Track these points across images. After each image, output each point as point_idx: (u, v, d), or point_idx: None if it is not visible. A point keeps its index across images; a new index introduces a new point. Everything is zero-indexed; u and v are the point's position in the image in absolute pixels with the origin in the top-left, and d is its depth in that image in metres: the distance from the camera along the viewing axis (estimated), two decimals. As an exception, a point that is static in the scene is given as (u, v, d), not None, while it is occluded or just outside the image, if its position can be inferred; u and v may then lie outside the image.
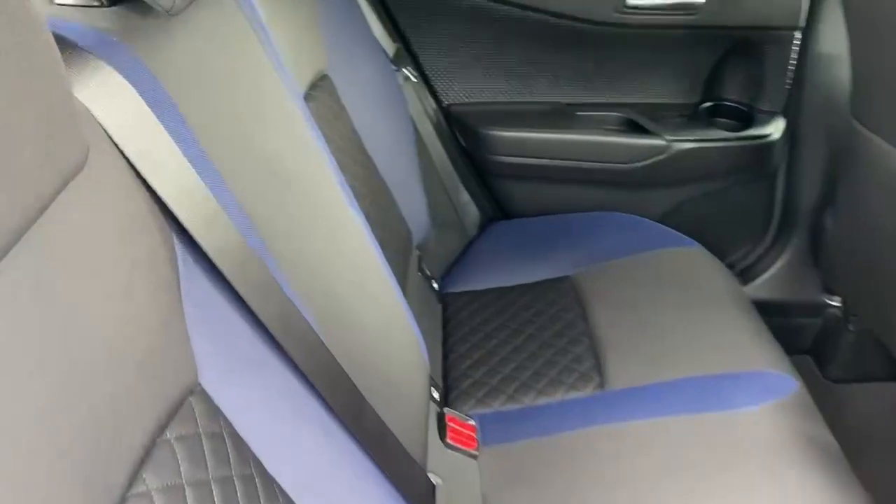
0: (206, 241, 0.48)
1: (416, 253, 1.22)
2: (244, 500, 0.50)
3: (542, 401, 1.00)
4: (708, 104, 1.37)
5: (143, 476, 0.43)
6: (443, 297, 1.25)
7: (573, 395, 1.00)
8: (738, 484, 0.81)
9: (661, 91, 1.37)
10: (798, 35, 1.26)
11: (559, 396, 1.00)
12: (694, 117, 1.36)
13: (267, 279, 0.53)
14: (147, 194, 0.46)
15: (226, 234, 0.50)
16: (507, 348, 1.11)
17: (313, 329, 0.58)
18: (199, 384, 0.49)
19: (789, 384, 0.95)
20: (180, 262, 0.48)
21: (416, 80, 1.33)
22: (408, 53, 1.34)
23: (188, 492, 0.45)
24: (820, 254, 1.34)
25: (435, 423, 0.93)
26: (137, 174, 0.45)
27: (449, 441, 0.91)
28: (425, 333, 0.94)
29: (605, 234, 1.31)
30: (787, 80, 1.29)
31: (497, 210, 1.45)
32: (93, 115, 0.42)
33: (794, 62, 1.28)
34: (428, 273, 1.24)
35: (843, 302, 1.40)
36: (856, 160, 1.12)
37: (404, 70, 1.30)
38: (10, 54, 0.30)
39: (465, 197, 1.41)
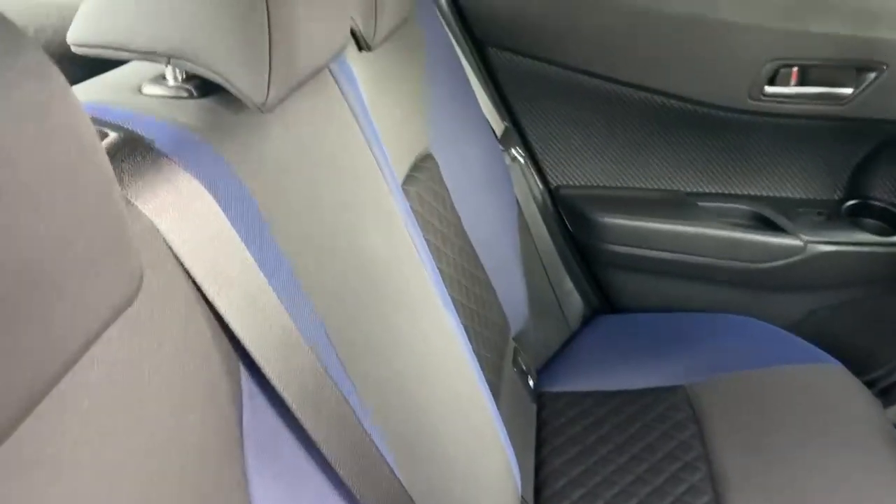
0: (274, 368, 0.41)
1: (512, 345, 1.13)
2: None
3: (649, 539, 0.87)
4: (852, 202, 1.21)
5: None
6: (539, 396, 1.14)
7: (686, 535, 0.86)
8: None
9: (797, 185, 1.23)
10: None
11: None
12: (835, 216, 1.21)
13: (343, 411, 0.45)
14: (212, 318, 0.39)
15: (298, 359, 0.42)
16: (609, 467, 0.98)
17: (393, 471, 0.49)
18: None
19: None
20: (245, 396, 0.41)
21: (523, 161, 1.26)
22: (517, 133, 1.27)
23: None
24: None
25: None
26: (202, 295, 0.38)
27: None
28: (517, 439, 0.84)
29: (726, 340, 1.17)
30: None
31: (603, 302, 1.34)
32: (157, 231, 0.36)
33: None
34: (524, 367, 1.14)
35: None
36: None
37: (512, 150, 1.23)
38: (57, 177, 0.24)
39: (569, 286, 1.30)
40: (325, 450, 0.43)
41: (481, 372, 0.76)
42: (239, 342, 0.39)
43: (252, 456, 0.41)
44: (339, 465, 0.44)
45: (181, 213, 0.37)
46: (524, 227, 1.23)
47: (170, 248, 0.36)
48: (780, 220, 1.19)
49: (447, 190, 0.99)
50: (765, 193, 1.24)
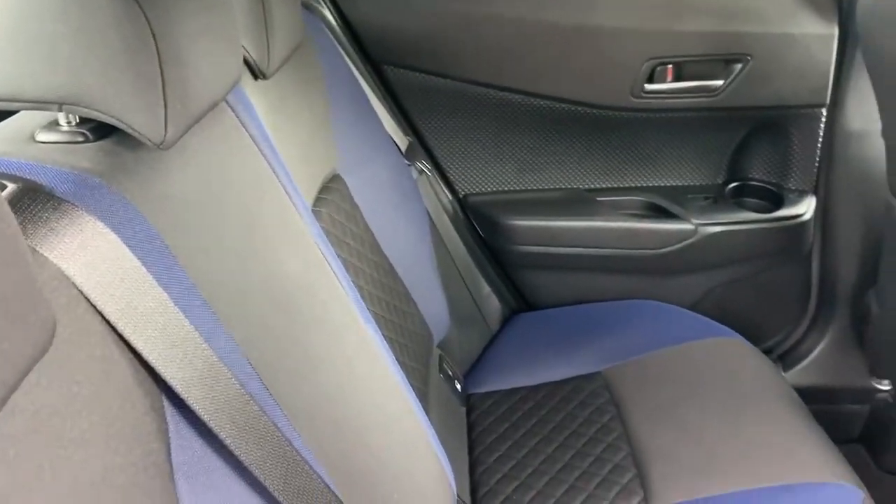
0: (199, 400, 0.42)
1: (437, 353, 1.16)
2: None
3: (581, 522, 0.92)
4: (734, 184, 1.32)
5: None
6: (467, 399, 1.18)
7: (616, 513, 0.91)
8: None
9: (684, 173, 1.33)
10: (825, 112, 1.22)
11: (599, 513, 0.92)
12: (720, 199, 1.30)
13: (272, 436, 0.47)
14: (131, 356, 0.40)
15: (222, 390, 0.44)
16: (538, 458, 1.02)
17: (329, 487, 0.51)
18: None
19: (854, 496, 0.86)
20: (171, 430, 0.42)
21: (430, 173, 1.29)
22: (421, 146, 1.31)
23: None
24: (864, 336, 1.26)
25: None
26: (119, 335, 0.39)
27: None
28: (449, 443, 0.86)
29: (635, 325, 1.24)
30: (817, 158, 1.24)
31: (520, 302, 1.39)
32: (66, 276, 0.37)
33: (822, 139, 1.23)
34: (450, 373, 1.17)
35: (894, 386, 1.31)
36: (900, 241, 1.06)
37: (418, 163, 1.27)
38: None
39: (486, 289, 1.35)
40: (258, 473, 0.44)
41: (408, 382, 0.78)
42: (161, 378, 0.40)
43: (185, 489, 0.42)
44: (275, 488, 0.46)
45: (88, 256, 0.38)
46: (437, 238, 1.26)
47: (80, 291, 0.37)
48: (672, 208, 1.27)
49: (358, 209, 1.01)
50: (656, 184, 1.33)
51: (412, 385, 0.80)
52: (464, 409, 1.16)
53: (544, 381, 1.17)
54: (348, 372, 0.64)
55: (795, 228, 1.27)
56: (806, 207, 1.26)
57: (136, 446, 0.39)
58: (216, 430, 0.42)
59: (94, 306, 0.38)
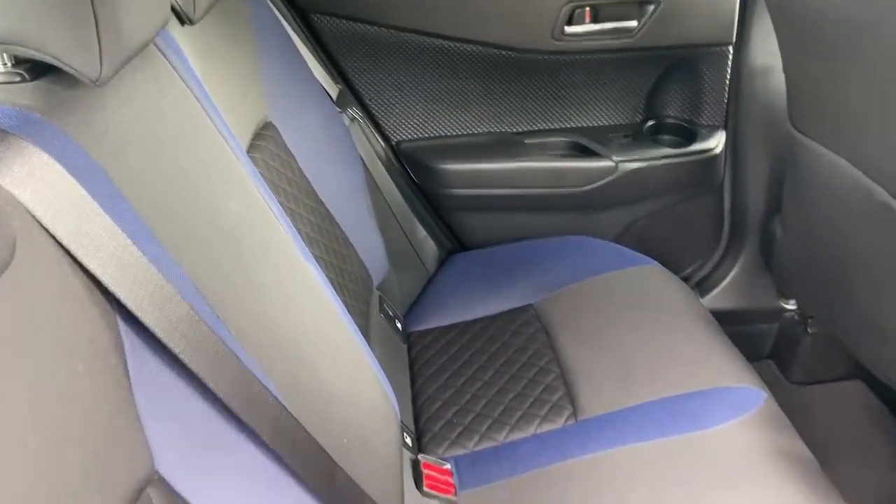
0: (151, 318, 0.46)
1: (377, 294, 1.20)
2: None
3: (517, 436, 0.99)
4: (651, 123, 1.39)
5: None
6: (407, 337, 1.23)
7: (547, 427, 0.99)
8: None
9: (604, 113, 1.39)
10: (731, 50, 1.30)
11: (532, 431, 0.99)
12: (639, 137, 1.38)
13: (221, 352, 0.51)
14: (85, 278, 0.43)
15: (173, 309, 0.47)
16: (476, 385, 1.09)
17: (276, 398, 0.56)
18: (157, 472, 0.47)
19: (757, 397, 0.96)
20: (126, 347, 0.45)
21: (362, 121, 1.32)
22: (351, 94, 1.33)
23: None
24: (772, 260, 1.37)
25: (410, 472, 0.91)
26: (73, 258, 0.42)
27: (426, 489, 0.89)
28: (392, 377, 0.92)
29: (563, 259, 1.32)
30: (725, 95, 1.32)
31: (455, 243, 1.44)
32: (19, 202, 0.39)
33: (730, 76, 1.31)
34: (391, 313, 1.22)
35: (799, 305, 1.43)
36: (797, 167, 1.15)
37: (349, 111, 1.29)
38: None
39: (422, 232, 1.40)
40: (211, 385, 0.48)
41: (350, 317, 0.83)
42: (114, 298, 0.43)
43: (143, 402, 0.46)
44: (228, 399, 0.50)
45: (37, 185, 0.40)
46: (372, 183, 1.30)
47: (32, 216, 0.40)
48: (594, 146, 1.34)
49: (292, 156, 1.03)
50: (579, 125, 1.39)
51: (355, 321, 0.84)
52: (405, 347, 1.22)
53: (480, 315, 1.23)
54: (291, 302, 0.68)
55: (708, 162, 1.35)
56: (717, 142, 1.35)
57: (96, 359, 0.42)
58: (169, 345, 0.45)
59: (46, 230, 0.40)
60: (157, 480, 0.46)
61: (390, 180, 1.34)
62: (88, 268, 0.42)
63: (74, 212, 0.43)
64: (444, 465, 0.94)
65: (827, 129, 1.04)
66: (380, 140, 1.36)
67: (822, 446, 1.02)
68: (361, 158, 1.27)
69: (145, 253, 0.46)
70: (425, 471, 0.91)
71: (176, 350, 0.46)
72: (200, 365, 0.48)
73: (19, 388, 0.38)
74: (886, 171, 0.93)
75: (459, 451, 0.99)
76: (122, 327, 0.45)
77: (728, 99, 1.33)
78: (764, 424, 0.91)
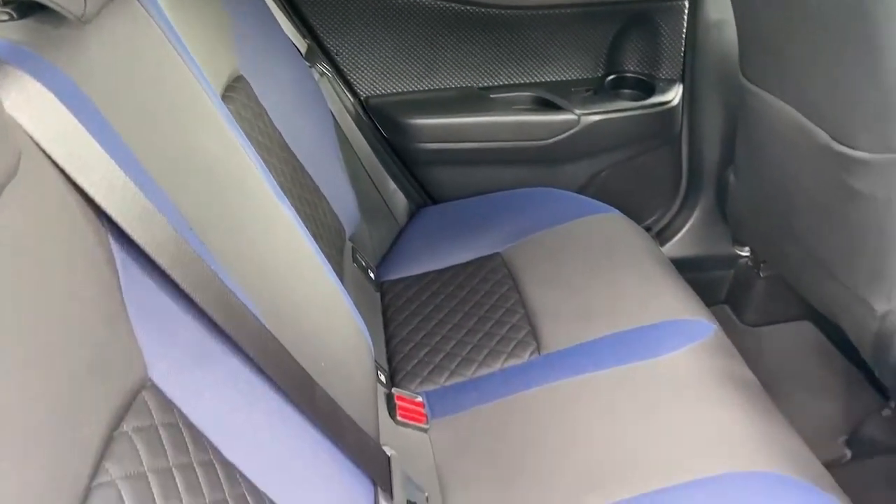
0: (140, 236, 0.50)
1: (349, 245, 1.25)
2: (206, 486, 0.52)
3: (484, 371, 1.05)
4: (611, 77, 1.44)
5: (106, 466, 0.45)
6: (380, 286, 1.28)
7: (512, 362, 1.05)
8: (670, 424, 0.88)
9: (567, 68, 1.44)
10: (687, 4, 1.35)
11: (499, 366, 1.05)
12: (600, 91, 1.43)
13: (205, 270, 0.55)
14: (79, 197, 0.47)
15: (160, 230, 0.51)
16: (446, 327, 1.15)
17: (257, 318, 0.60)
18: (150, 379, 0.51)
19: (706, 328, 1.03)
20: (118, 262, 0.50)
21: (331, 76, 1.35)
22: (320, 50, 1.36)
23: (151, 479, 0.47)
24: (726, 209, 1.44)
25: (384, 404, 0.96)
26: (68, 178, 0.46)
27: (399, 418, 0.94)
28: (366, 321, 0.97)
29: (529, 210, 1.37)
30: (682, 48, 1.38)
31: (424, 197, 1.49)
32: (19, 124, 0.43)
33: (686, 30, 1.36)
34: (363, 263, 1.27)
35: (752, 252, 1.50)
36: (748, 116, 1.21)
37: (319, 66, 1.32)
38: None
39: (392, 186, 1.44)
40: (198, 300, 0.53)
41: (324, 258, 0.87)
42: (105, 216, 0.48)
43: (134, 314, 0.51)
44: (213, 314, 0.55)
45: (33, 110, 0.44)
46: (342, 138, 1.33)
47: (31, 138, 0.44)
48: (558, 100, 1.39)
49: (264, 109, 1.06)
50: (542, 79, 1.44)
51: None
52: (378, 295, 1.27)
53: (450, 264, 1.29)
54: (267, 236, 0.72)
55: (665, 114, 1.41)
56: (674, 94, 1.41)
57: (92, 272, 0.46)
58: (157, 260, 0.50)
59: (43, 151, 0.44)
60: (150, 386, 0.51)
61: (360, 135, 1.38)
62: (82, 187, 0.46)
63: (67, 137, 0.47)
64: (417, 398, 1.00)
65: (774, 79, 1.10)
66: (349, 95, 1.39)
67: (773, 380, 1.10)
68: (331, 113, 1.31)
69: (131, 177, 0.50)
70: (398, 402, 0.97)
71: (163, 265, 0.51)
72: (186, 281, 0.52)
73: (26, 291, 0.42)
74: (826, 115, 0.99)
75: (430, 387, 1.05)
76: (113, 245, 0.49)
77: (684, 52, 1.38)
78: (712, 352, 0.98)
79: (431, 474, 0.88)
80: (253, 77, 1.04)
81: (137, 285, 0.51)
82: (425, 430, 0.96)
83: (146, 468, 0.47)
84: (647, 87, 1.42)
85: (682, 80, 1.41)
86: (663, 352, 0.97)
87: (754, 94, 1.15)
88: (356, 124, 1.38)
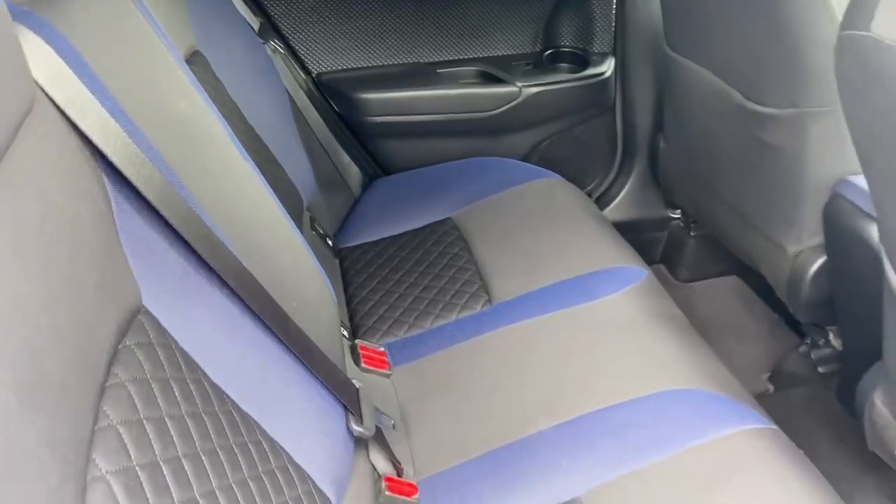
0: (131, 175, 0.55)
1: (307, 214, 1.30)
2: (199, 399, 0.59)
3: (440, 322, 1.13)
4: (549, 52, 1.53)
5: (115, 371, 0.51)
6: (338, 252, 1.35)
7: (466, 313, 1.13)
8: (610, 354, 0.98)
9: (507, 44, 1.53)
10: (616, -19, 1.45)
11: (454, 317, 1.13)
12: (539, 65, 1.52)
13: (189, 211, 0.61)
14: (77, 139, 0.53)
15: (147, 172, 0.57)
16: (403, 286, 1.22)
17: (235, 256, 0.67)
18: (144, 306, 0.57)
19: (639, 273, 1.13)
20: (112, 199, 0.56)
21: (283, 53, 1.40)
22: (271, 28, 1.41)
23: (154, 385, 0.54)
24: (658, 174, 1.55)
25: (349, 353, 1.03)
26: (68, 121, 0.52)
27: (364, 365, 1.02)
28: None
29: (477, 178, 1.45)
30: (613, 23, 1.48)
31: (377, 168, 1.56)
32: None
33: (616, 5, 1.46)
34: (321, 231, 1.33)
35: (683, 213, 1.62)
36: (673, 84, 1.32)
37: (271, 43, 1.37)
38: None
39: (346, 158, 1.50)
40: (184, 234, 0.59)
41: (288, 216, 0.93)
42: (101, 156, 0.53)
43: (127, 247, 0.56)
44: (198, 248, 0.61)
45: (35, 60, 0.49)
46: (297, 112, 1.39)
47: (36, 83, 0.49)
48: (500, 74, 1.48)
49: (221, 83, 1.11)
50: (485, 54, 1.52)
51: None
52: (336, 261, 1.33)
53: (404, 230, 1.36)
54: (237, 188, 0.78)
55: (599, 85, 1.51)
56: (607, 67, 1.51)
57: (91, 206, 0.52)
58: (146, 196, 0.56)
59: (47, 95, 0.50)
60: (145, 312, 0.57)
61: (313, 109, 1.44)
62: (81, 129, 0.52)
63: (64, 85, 0.52)
64: (379, 348, 1.08)
65: (694, 46, 1.21)
66: (301, 72, 1.45)
67: (703, 330, 1.21)
68: (286, 89, 1.36)
69: (121, 125, 0.56)
70: (362, 352, 1.04)
71: (152, 201, 0.57)
72: (173, 217, 0.59)
73: (40, 217, 0.48)
74: (739, 76, 1.10)
75: (391, 339, 1.12)
76: (107, 183, 0.55)
77: (615, 27, 1.48)
78: (644, 294, 1.08)
79: (395, 413, 0.96)
80: (209, 52, 1.09)
81: (129, 221, 0.57)
82: (388, 376, 1.03)
83: (148, 376, 0.54)
84: (581, 61, 1.52)
85: (614, 54, 1.51)
86: (602, 294, 1.07)
87: (677, 62, 1.26)
88: (309, 99, 1.44)
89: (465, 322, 1.12)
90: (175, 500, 0.50)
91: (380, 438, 0.85)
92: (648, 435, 0.84)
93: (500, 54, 1.53)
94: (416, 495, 0.84)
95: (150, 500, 0.47)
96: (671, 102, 1.39)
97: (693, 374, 0.92)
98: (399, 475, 0.86)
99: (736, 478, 0.78)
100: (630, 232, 1.52)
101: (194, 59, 1.05)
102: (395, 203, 1.46)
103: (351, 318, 1.20)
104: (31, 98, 0.43)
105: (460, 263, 1.24)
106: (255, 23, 1.35)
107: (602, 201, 1.66)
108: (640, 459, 0.81)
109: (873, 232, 0.86)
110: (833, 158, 1.00)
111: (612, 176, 1.65)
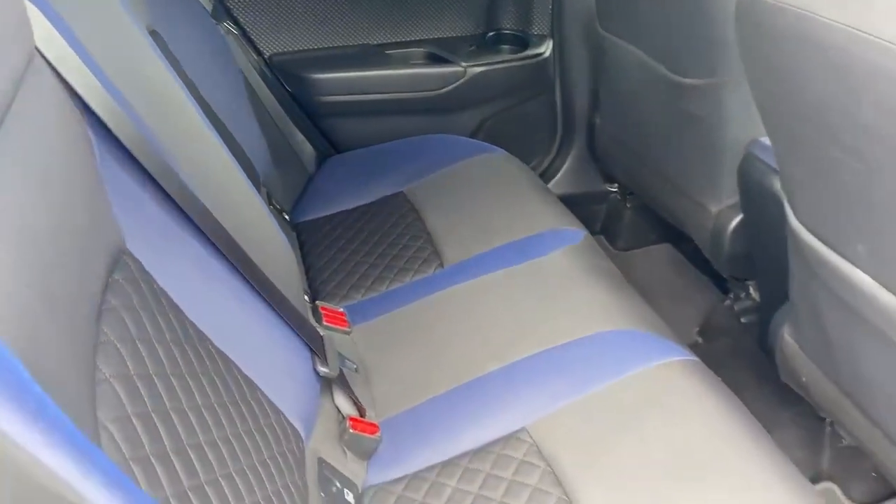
0: (112, 126, 0.61)
1: (264, 190, 1.36)
2: (180, 331, 0.65)
3: (396, 286, 1.21)
4: (491, 34, 1.62)
5: (108, 298, 0.57)
6: (294, 227, 1.41)
7: (419, 276, 1.21)
8: (551, 303, 1.07)
9: (453, 26, 1.61)
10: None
11: (408, 280, 1.21)
12: (482, 46, 1.61)
13: (165, 165, 0.67)
14: (66, 93, 0.59)
15: (127, 126, 0.63)
16: (359, 255, 1.29)
17: (208, 208, 0.73)
18: (128, 249, 0.63)
19: (578, 234, 1.23)
20: (96, 150, 0.61)
21: (236, 34, 1.45)
22: (224, 10, 1.45)
23: (142, 314, 0.60)
24: (595, 151, 1.65)
25: (311, 314, 1.10)
26: (58, 76, 0.57)
27: (325, 323, 1.08)
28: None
29: (426, 153, 1.53)
30: (550, 6, 1.57)
31: (331, 147, 1.62)
32: None
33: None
34: (278, 207, 1.38)
35: (620, 186, 1.73)
36: (606, 61, 1.42)
37: (225, 24, 1.42)
38: None
39: (300, 137, 1.56)
40: (162, 184, 0.65)
41: (250, 183, 0.99)
42: (86, 108, 0.59)
43: (111, 195, 0.62)
44: (175, 197, 0.67)
45: (32, 22, 0.55)
46: (252, 93, 1.44)
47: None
48: (446, 55, 1.56)
49: (178, 61, 1.16)
50: (432, 36, 1.60)
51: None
52: (294, 234, 1.39)
53: (358, 204, 1.43)
54: (204, 152, 0.84)
55: (539, 66, 1.61)
56: (545, 48, 1.60)
57: (75, 149, 0.58)
58: (126, 144, 0.62)
59: (40, 53, 0.55)
60: (129, 254, 0.63)
61: (266, 89, 1.49)
62: (68, 81, 0.58)
63: (54, 46, 0.58)
64: (339, 308, 1.14)
65: (623, 25, 1.31)
66: (253, 53, 1.50)
67: (640, 292, 1.32)
68: (240, 69, 1.41)
69: (101, 81, 0.62)
70: (323, 312, 1.10)
71: (133, 151, 0.63)
72: (151, 168, 0.65)
73: (40, 159, 0.53)
74: (664, 50, 1.21)
75: (349, 302, 1.19)
76: (92, 136, 0.61)
77: (552, 10, 1.58)
78: (582, 251, 1.18)
79: (357, 363, 1.03)
80: (165, 32, 1.14)
81: (110, 171, 0.63)
82: (348, 333, 1.10)
83: (136, 306, 0.60)
84: (522, 42, 1.61)
85: (552, 35, 1.61)
86: (544, 253, 1.16)
87: (610, 41, 1.36)
88: (262, 80, 1.49)
89: (418, 284, 1.19)
90: (161, 386, 0.56)
91: (343, 383, 0.92)
92: (585, 370, 0.93)
93: (446, 36, 1.61)
94: (378, 433, 0.91)
95: (146, 392, 0.53)
96: (605, 81, 1.49)
97: (625, 317, 1.02)
98: (362, 416, 0.93)
99: (664, 402, 0.88)
100: (571, 205, 1.61)
101: (152, 38, 1.09)
102: (349, 179, 1.52)
103: (310, 286, 1.26)
104: (31, 53, 0.49)
105: (413, 232, 1.32)
106: (208, 4, 1.39)
107: (545, 176, 1.75)
108: (578, 392, 0.90)
109: (779, 184, 0.97)
110: (747, 123, 1.10)
111: (553, 152, 1.75)
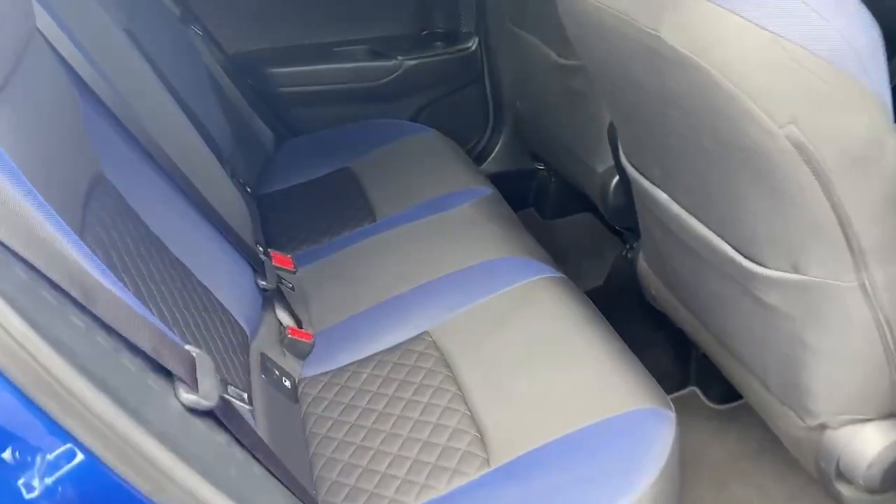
0: (96, 88, 0.86)
1: (228, 166, 1.60)
2: (149, 239, 0.89)
3: (336, 238, 1.45)
4: (425, 32, 1.89)
5: (90, 203, 0.81)
6: (256, 198, 1.65)
7: (356, 229, 1.46)
8: (453, 242, 1.31)
9: (390, 26, 1.88)
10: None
11: (347, 232, 1.46)
12: (417, 42, 1.87)
13: (135, 116, 0.92)
14: (58, 62, 0.83)
15: (106, 90, 0.88)
16: (308, 217, 1.54)
17: (170, 156, 0.98)
18: (104, 175, 0.88)
19: (486, 190, 1.48)
20: (81, 109, 0.86)
21: (202, 35, 1.70)
22: (190, 14, 1.71)
23: (117, 218, 0.84)
24: (522, 133, 1.90)
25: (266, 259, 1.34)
26: (53, 50, 0.82)
27: (274, 263, 1.33)
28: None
29: (370, 134, 1.78)
30: (474, 5, 1.84)
31: (287, 131, 1.87)
32: None
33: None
34: (241, 181, 1.63)
35: (545, 164, 1.98)
36: (515, 51, 1.68)
37: (192, 27, 1.67)
38: None
39: (260, 123, 1.81)
40: (137, 134, 0.90)
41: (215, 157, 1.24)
42: (73, 73, 0.84)
43: (90, 131, 0.87)
44: (144, 142, 0.92)
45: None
46: (217, 86, 1.69)
47: None
48: (384, 50, 1.82)
49: (150, 55, 1.41)
50: (372, 35, 1.86)
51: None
52: (255, 204, 1.63)
53: (312, 178, 1.67)
54: (174, 119, 1.09)
55: (466, 58, 1.87)
56: (472, 43, 1.87)
57: (65, 104, 0.82)
58: (105, 101, 0.86)
59: (38, 30, 0.80)
60: (104, 178, 0.88)
61: (230, 82, 1.74)
62: (61, 53, 0.83)
63: (48, 28, 0.83)
64: (287, 255, 1.39)
65: (525, 19, 1.57)
66: (218, 52, 1.75)
67: (562, 253, 1.57)
68: (206, 66, 1.66)
69: (83, 54, 0.87)
70: (273, 255, 1.35)
71: (110, 106, 0.87)
72: (127, 121, 0.89)
73: (46, 97, 0.78)
74: (551, 36, 1.46)
75: (298, 252, 1.44)
76: (77, 96, 0.85)
77: (477, 9, 1.84)
78: (488, 204, 1.43)
79: (298, 291, 1.27)
80: (139, 32, 1.38)
81: (93, 122, 0.87)
82: (294, 273, 1.35)
83: (115, 211, 0.84)
84: (451, 39, 1.87)
85: (478, 32, 1.87)
86: (455, 206, 1.41)
87: (514, 33, 1.62)
88: (227, 74, 1.74)
89: (354, 235, 1.44)
90: (135, 274, 0.80)
91: (282, 299, 1.17)
92: (473, 288, 1.18)
93: (384, 35, 1.88)
94: (312, 339, 1.16)
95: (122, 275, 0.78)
96: (520, 69, 1.74)
97: (511, 247, 1.27)
98: (300, 327, 1.17)
99: (531, 305, 1.13)
100: (506, 182, 1.86)
101: (128, 37, 1.34)
102: (303, 158, 1.77)
103: (268, 245, 1.50)
104: (33, 31, 0.74)
105: (352, 197, 1.57)
106: (175, 10, 1.65)
107: (481, 157, 2.01)
108: (467, 304, 1.15)
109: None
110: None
111: (486, 136, 2.00)
